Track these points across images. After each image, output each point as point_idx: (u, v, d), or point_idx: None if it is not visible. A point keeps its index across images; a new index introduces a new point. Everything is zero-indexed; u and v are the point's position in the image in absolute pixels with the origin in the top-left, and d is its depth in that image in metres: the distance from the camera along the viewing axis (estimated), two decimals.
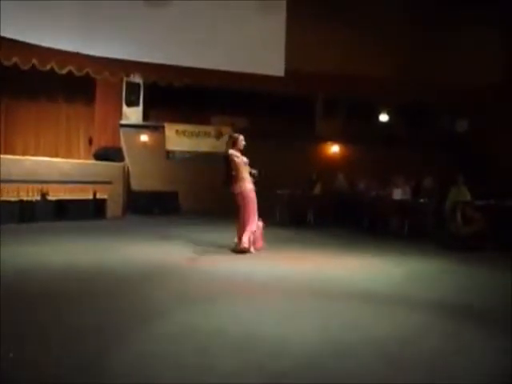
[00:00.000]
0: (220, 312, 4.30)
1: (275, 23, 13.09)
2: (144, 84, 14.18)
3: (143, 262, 6.58)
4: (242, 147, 7.42)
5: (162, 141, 14.50)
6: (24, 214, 10.36)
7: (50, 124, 14.19)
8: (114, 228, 10.37)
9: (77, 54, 11.60)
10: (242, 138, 7.46)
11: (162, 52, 12.29)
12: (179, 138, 14.61)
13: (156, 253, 7.33)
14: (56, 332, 3.66)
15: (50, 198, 10.96)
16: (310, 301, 4.79)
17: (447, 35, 13.44)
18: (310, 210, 12.11)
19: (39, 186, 10.83)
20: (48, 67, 11.50)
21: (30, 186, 10.72)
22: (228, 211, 7.82)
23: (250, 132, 7.94)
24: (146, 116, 14.74)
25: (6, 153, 11.66)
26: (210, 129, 14.80)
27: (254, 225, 7.30)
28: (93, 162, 12.57)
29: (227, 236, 7.85)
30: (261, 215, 7.51)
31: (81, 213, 11.21)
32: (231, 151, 7.38)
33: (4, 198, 10.19)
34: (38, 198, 10.77)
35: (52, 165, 11.42)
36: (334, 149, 15.85)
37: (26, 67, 11.26)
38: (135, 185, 13.98)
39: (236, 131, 8.03)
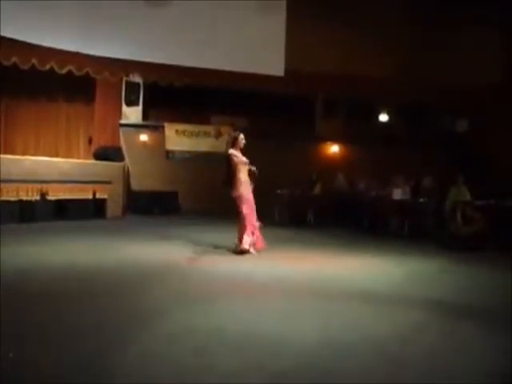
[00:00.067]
0: (220, 312, 4.30)
1: (275, 23, 13.10)
2: (144, 84, 14.18)
3: (143, 261, 6.58)
4: (242, 146, 7.39)
5: (161, 140, 14.50)
6: (24, 213, 10.35)
7: (49, 124, 14.18)
8: (114, 228, 10.37)
9: (77, 54, 11.61)
10: (242, 136, 7.43)
11: (162, 52, 12.30)
12: (179, 138, 14.61)
13: (156, 253, 7.33)
14: (56, 332, 3.66)
15: (49, 197, 10.96)
16: (310, 301, 4.79)
17: (447, 35, 13.44)
18: (309, 210, 12.11)
19: (39, 185, 10.83)
20: (48, 67, 11.51)
21: (30, 185, 10.72)
22: (228, 211, 7.81)
23: (249, 132, 7.91)
24: (145, 116, 14.74)
25: (5, 152, 11.66)
26: (209, 129, 14.80)
27: (252, 226, 7.27)
28: (92, 161, 12.57)
29: (227, 236, 7.85)
30: (261, 215, 7.50)
31: (81, 213, 11.21)
32: (231, 150, 7.36)
33: (4, 197, 10.19)
34: (38, 197, 10.77)
35: (52, 164, 11.42)
36: (334, 149, 15.85)
37: (25, 67, 11.27)
38: (135, 185, 13.97)
39: (236, 131, 8.00)
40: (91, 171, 11.94)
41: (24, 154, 12.75)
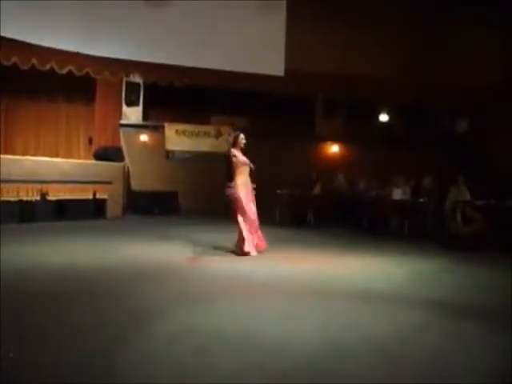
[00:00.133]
0: (220, 312, 4.30)
1: (275, 23, 13.09)
2: (144, 84, 14.18)
3: (143, 262, 6.58)
4: (242, 146, 7.37)
5: (161, 141, 14.50)
6: (24, 213, 10.36)
7: (49, 124, 14.18)
8: (114, 228, 10.37)
9: (77, 54, 11.60)
10: (242, 136, 7.40)
11: (162, 52, 12.30)
12: (179, 138, 14.61)
13: (156, 253, 7.33)
14: (56, 332, 3.66)
15: (49, 197, 10.96)
16: (310, 301, 4.79)
17: (447, 35, 13.44)
18: (309, 210, 12.10)
19: (39, 185, 10.83)
20: (48, 67, 11.50)
21: (30, 185, 10.72)
22: (228, 211, 7.81)
23: (250, 132, 7.90)
24: (145, 116, 14.74)
25: (6, 153, 11.66)
26: (209, 128, 14.80)
27: (250, 226, 7.24)
28: (93, 161, 12.57)
29: (227, 236, 7.84)
30: (261, 215, 7.50)
31: (81, 213, 11.21)
32: (231, 150, 7.34)
33: (4, 197, 10.19)
34: (38, 197, 10.77)
35: (52, 165, 11.42)
36: (334, 149, 15.85)
37: (25, 67, 11.26)
38: (135, 185, 13.97)
39: (236, 131, 7.99)
40: (91, 171, 11.94)
41: (24, 154, 12.75)
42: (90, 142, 14.17)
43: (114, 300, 4.60)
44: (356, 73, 13.31)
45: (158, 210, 13.08)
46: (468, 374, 3.14)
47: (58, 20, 11.30)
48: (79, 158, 13.66)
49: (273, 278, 5.81)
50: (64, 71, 11.71)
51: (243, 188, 7.25)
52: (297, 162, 13.96)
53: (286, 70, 13.04)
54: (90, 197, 11.71)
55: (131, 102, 14.39)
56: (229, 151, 7.37)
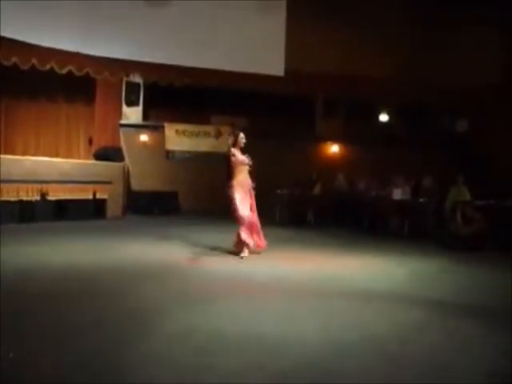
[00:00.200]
0: (220, 312, 4.31)
1: (275, 23, 13.09)
2: (144, 84, 14.17)
3: (143, 262, 6.58)
4: (242, 145, 7.34)
5: (161, 141, 14.50)
6: (24, 213, 10.36)
7: (50, 124, 14.18)
8: (114, 228, 10.37)
9: (77, 54, 11.59)
10: (242, 135, 7.36)
11: (162, 52, 12.29)
12: (179, 138, 14.61)
13: (156, 253, 7.33)
14: (56, 332, 3.66)
15: (49, 198, 10.96)
16: (310, 301, 4.79)
17: (447, 35, 13.44)
18: (309, 210, 12.10)
19: (39, 185, 10.83)
20: (48, 67, 11.49)
21: (30, 185, 10.71)
22: (228, 211, 7.80)
23: (250, 132, 7.89)
24: (145, 116, 14.73)
25: (6, 153, 11.65)
26: (209, 128, 14.79)
27: (248, 227, 7.22)
28: (93, 161, 12.56)
29: (227, 236, 7.83)
30: (261, 215, 7.49)
31: (81, 213, 11.21)
32: (231, 150, 7.31)
33: (4, 197, 10.19)
34: (38, 198, 10.77)
35: (52, 165, 11.42)
36: (334, 149, 15.85)
37: (25, 67, 11.25)
38: (135, 185, 13.98)
39: (236, 130, 7.96)
40: (91, 171, 11.93)
41: (24, 154, 12.75)
42: (90, 142, 14.17)
43: (114, 300, 4.60)
44: (356, 73, 13.30)
45: (158, 210, 13.08)
46: (468, 373, 3.14)
47: (58, 20, 11.29)
48: (79, 158, 13.66)
49: (273, 278, 5.82)
50: (64, 71, 11.70)
51: (239, 188, 7.21)
52: (297, 161, 13.96)
53: (286, 70, 13.03)
54: (90, 197, 11.71)
55: (131, 102, 14.38)
56: (228, 151, 7.35)
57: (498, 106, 13.68)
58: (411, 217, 10.46)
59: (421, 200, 10.70)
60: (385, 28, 13.06)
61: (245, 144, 7.35)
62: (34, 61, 11.23)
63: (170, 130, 14.56)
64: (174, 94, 13.45)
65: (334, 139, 15.67)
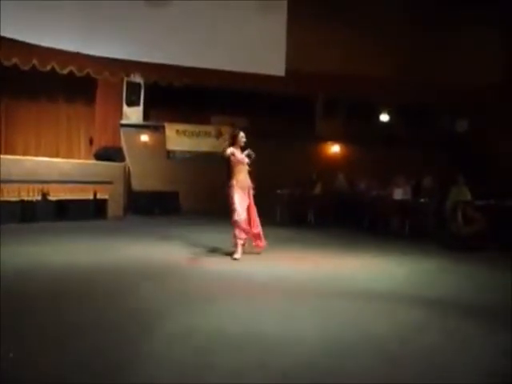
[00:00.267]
0: (220, 312, 4.31)
1: (276, 23, 13.09)
2: (144, 84, 14.17)
3: (144, 262, 6.58)
4: (242, 144, 7.31)
5: (162, 141, 14.51)
6: (25, 214, 10.37)
7: (50, 124, 14.18)
8: (115, 228, 10.37)
9: (77, 54, 11.60)
10: (242, 134, 7.32)
11: (162, 52, 12.30)
12: (180, 138, 14.62)
13: (156, 253, 7.33)
14: (56, 332, 3.66)
15: (50, 198, 10.97)
16: (310, 301, 4.79)
17: (447, 35, 13.45)
18: (310, 210, 12.11)
19: (40, 186, 10.84)
20: (48, 67, 11.50)
21: (31, 186, 10.73)
22: (228, 211, 7.80)
23: (250, 132, 7.89)
24: (146, 116, 14.73)
25: (6, 153, 11.67)
26: (210, 128, 14.80)
27: (246, 227, 7.20)
28: (93, 162, 12.56)
29: (227, 236, 7.81)
30: (261, 215, 7.48)
31: (81, 213, 11.21)
32: (231, 149, 7.28)
33: (5, 198, 10.20)
34: (39, 198, 10.78)
35: (52, 165, 11.42)
36: (334, 149, 15.85)
37: (26, 67, 11.26)
38: (136, 185, 13.98)
39: (236, 129, 7.94)
40: (92, 171, 11.94)
41: (25, 154, 12.76)
42: (91, 142, 14.17)
43: (115, 300, 4.60)
44: (356, 73, 13.30)
45: (158, 210, 13.08)
46: (468, 373, 3.14)
47: (58, 20, 11.30)
48: (80, 158, 13.67)
49: (273, 277, 5.82)
50: (65, 71, 11.71)
51: (239, 188, 7.20)
52: (297, 161, 13.96)
53: (287, 70, 13.04)
54: (91, 197, 11.72)
55: (132, 102, 14.39)
56: (223, 151, 7.31)
57: (498, 106, 13.68)
58: (412, 217, 10.45)
59: (421, 200, 10.69)
60: (385, 28, 13.07)
61: (245, 143, 7.33)
62: (34, 61, 11.24)
63: (171, 130, 14.56)
64: (174, 93, 13.46)
65: (334, 139, 15.67)
